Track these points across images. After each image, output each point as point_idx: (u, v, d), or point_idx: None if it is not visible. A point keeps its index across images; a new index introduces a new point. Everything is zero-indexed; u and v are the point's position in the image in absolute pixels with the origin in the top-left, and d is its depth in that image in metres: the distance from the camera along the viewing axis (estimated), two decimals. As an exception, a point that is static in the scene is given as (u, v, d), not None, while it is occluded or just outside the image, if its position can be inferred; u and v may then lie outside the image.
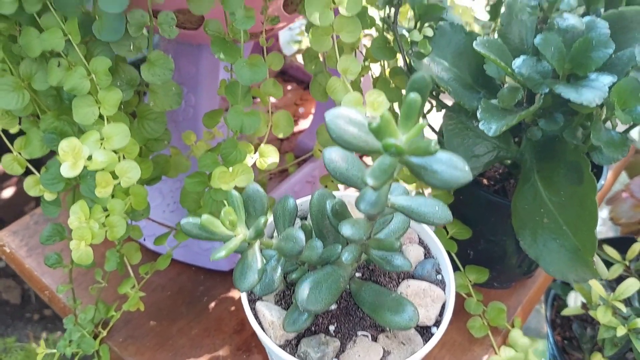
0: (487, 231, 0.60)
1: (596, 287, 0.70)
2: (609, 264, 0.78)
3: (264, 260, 0.35)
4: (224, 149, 0.48)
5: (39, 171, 0.50)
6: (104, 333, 0.58)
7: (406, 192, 0.41)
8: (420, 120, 0.30)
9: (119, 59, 0.46)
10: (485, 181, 0.62)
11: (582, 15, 0.45)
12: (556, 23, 0.43)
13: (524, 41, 0.50)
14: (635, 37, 0.47)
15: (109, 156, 0.42)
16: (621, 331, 0.65)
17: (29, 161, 0.50)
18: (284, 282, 0.45)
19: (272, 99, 0.90)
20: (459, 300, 0.62)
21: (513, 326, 0.63)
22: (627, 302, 0.76)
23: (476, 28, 0.74)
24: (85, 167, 0.42)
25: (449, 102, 0.55)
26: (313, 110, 0.89)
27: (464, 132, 0.52)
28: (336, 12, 0.46)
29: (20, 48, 0.46)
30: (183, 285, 0.65)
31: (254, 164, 0.50)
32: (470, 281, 0.62)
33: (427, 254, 0.48)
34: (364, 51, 0.59)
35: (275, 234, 0.45)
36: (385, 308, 0.40)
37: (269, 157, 0.51)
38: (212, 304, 0.64)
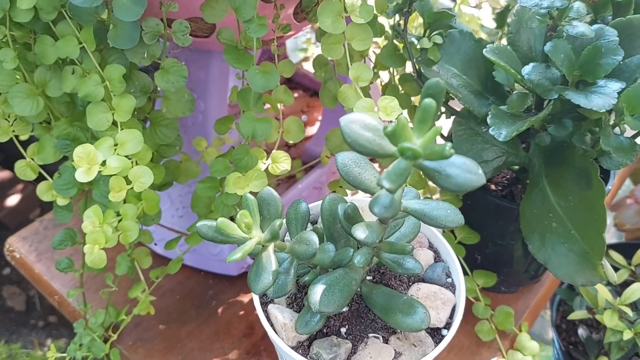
0: (494, 235, 0.61)
1: (602, 291, 0.70)
2: (614, 269, 0.78)
3: (278, 263, 0.36)
4: (236, 154, 0.48)
5: (50, 177, 0.51)
6: (114, 337, 0.58)
7: (418, 196, 0.41)
8: (436, 124, 0.31)
9: (133, 66, 0.47)
10: (492, 186, 0.62)
11: (590, 23, 0.46)
12: (566, 31, 0.43)
13: (532, 49, 0.51)
14: (642, 44, 0.47)
15: (123, 162, 0.42)
16: (627, 335, 0.65)
17: (41, 167, 0.51)
18: (296, 285, 0.45)
19: (280, 106, 0.91)
20: (467, 304, 0.62)
21: (520, 330, 0.64)
22: (633, 306, 0.76)
23: (483, 36, 0.75)
24: (98, 173, 0.43)
25: (459, 108, 0.55)
26: (320, 117, 0.90)
27: (473, 137, 0.53)
28: (347, 20, 0.47)
29: (34, 56, 0.47)
30: (192, 289, 0.66)
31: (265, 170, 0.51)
32: (478, 285, 0.62)
33: (437, 257, 0.48)
34: (373, 58, 0.59)
35: (287, 237, 0.46)
36: (397, 310, 0.40)
37: (282, 162, 0.51)
38: (221, 308, 0.64)
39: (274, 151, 0.51)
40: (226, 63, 0.62)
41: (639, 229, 1.13)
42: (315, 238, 0.37)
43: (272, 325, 0.43)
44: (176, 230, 0.65)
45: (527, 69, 0.46)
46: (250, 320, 0.63)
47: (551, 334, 1.05)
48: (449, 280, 0.46)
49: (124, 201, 0.48)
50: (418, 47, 0.52)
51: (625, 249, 0.84)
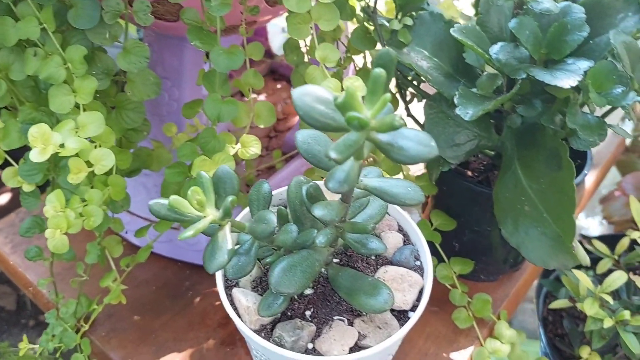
0: (471, 222, 0.60)
1: (583, 279, 0.69)
2: (599, 259, 0.78)
3: (235, 242, 0.35)
4: (202, 138, 0.48)
5: (17, 163, 0.50)
6: (86, 327, 0.58)
7: (381, 175, 0.40)
8: (386, 95, 0.30)
9: (95, 48, 0.46)
10: (469, 173, 0.61)
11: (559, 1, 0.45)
12: (531, 7, 0.43)
13: (503, 29, 0.50)
14: (612, 23, 0.47)
15: (81, 143, 0.41)
16: (608, 323, 0.64)
17: (8, 153, 0.50)
18: (261, 268, 0.45)
19: (262, 97, 0.90)
20: (444, 292, 0.62)
21: (499, 318, 0.63)
22: (616, 295, 0.76)
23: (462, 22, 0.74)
24: (59, 156, 0.42)
25: (432, 91, 0.55)
26: (301, 108, 0.89)
27: (445, 120, 0.52)
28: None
29: (-4, 39, 0.46)
30: (168, 280, 0.65)
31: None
32: (455, 272, 0.61)
33: (407, 240, 0.48)
34: (346, 43, 0.59)
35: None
36: (361, 291, 0.39)
37: (251, 146, 0.51)
38: (197, 299, 0.64)
39: (244, 135, 0.50)
40: (200, 50, 0.62)
41: (627, 220, 1.13)
42: (272, 217, 0.36)
43: (236, 308, 0.42)
44: (151, 220, 0.65)
45: (495, 49, 0.45)
46: (225, 311, 0.62)
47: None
48: (418, 263, 0.46)
49: (92, 187, 0.48)
50: (389, 29, 0.52)
51: (614, 241, 0.84)
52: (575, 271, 0.69)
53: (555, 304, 0.73)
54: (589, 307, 0.65)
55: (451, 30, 0.46)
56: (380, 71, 0.30)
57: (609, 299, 0.66)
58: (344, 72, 0.60)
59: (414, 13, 0.53)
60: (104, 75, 0.46)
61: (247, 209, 0.48)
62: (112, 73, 0.47)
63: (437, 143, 0.51)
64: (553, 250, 0.49)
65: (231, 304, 0.42)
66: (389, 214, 0.50)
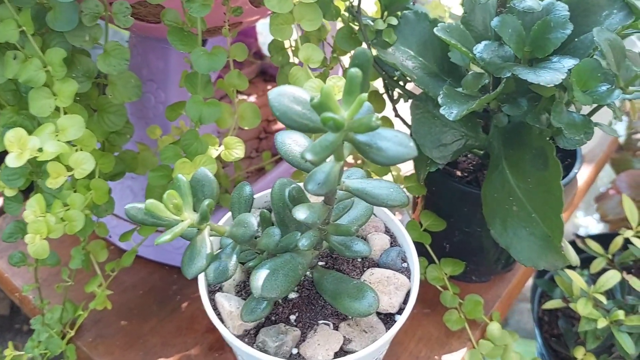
0: (461, 222, 0.60)
1: (576, 279, 0.69)
2: (593, 258, 0.77)
3: (214, 246, 0.34)
4: (185, 140, 0.47)
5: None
6: (72, 333, 0.57)
7: (364, 177, 0.40)
8: (362, 95, 0.30)
9: (76, 50, 0.46)
10: (458, 173, 0.61)
11: (543, -1, 0.45)
12: (514, 5, 0.42)
13: (487, 28, 0.50)
14: (596, 21, 0.46)
15: (60, 147, 0.41)
16: (602, 323, 0.64)
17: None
18: (245, 272, 0.44)
19: (252, 98, 0.90)
20: (435, 293, 0.61)
21: (492, 320, 0.62)
22: (610, 294, 0.75)
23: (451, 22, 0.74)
24: (38, 160, 0.41)
25: (418, 92, 0.54)
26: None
27: (431, 120, 0.51)
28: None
29: (-25, 42, 0.45)
30: (155, 284, 0.64)
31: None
32: (446, 274, 0.61)
33: (393, 242, 0.47)
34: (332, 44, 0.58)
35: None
36: (345, 295, 0.39)
37: (235, 149, 0.50)
38: (185, 303, 0.63)
39: (227, 137, 0.50)
40: (185, 52, 0.61)
41: (622, 219, 1.12)
42: (253, 220, 0.36)
43: (219, 313, 0.42)
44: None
45: (479, 47, 0.45)
46: (214, 315, 0.62)
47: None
48: (405, 265, 0.45)
49: (75, 191, 0.47)
50: (374, 29, 0.51)
51: (609, 240, 0.83)
52: (569, 271, 0.68)
53: (549, 305, 0.72)
54: (583, 307, 0.65)
55: (435, 30, 0.45)
56: (356, 71, 0.29)
57: (603, 298, 0.65)
58: (332, 72, 0.59)
59: (399, 13, 0.52)
60: (84, 77, 0.46)
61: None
62: (93, 75, 0.46)
63: (424, 143, 0.52)
64: (542, 251, 0.48)
65: (214, 309, 0.42)
66: (375, 216, 0.49)
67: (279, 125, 0.87)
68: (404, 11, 0.52)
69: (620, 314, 0.64)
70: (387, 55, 0.51)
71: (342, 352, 0.40)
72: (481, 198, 0.52)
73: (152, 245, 0.64)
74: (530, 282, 0.92)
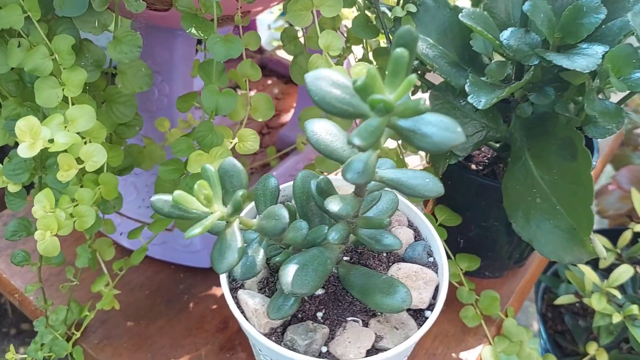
0: (477, 217, 0.58)
1: (589, 273, 0.68)
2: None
3: (244, 239, 0.32)
4: (199, 132, 0.45)
5: (1, 162, 0.47)
6: (78, 334, 0.54)
7: (394, 167, 0.38)
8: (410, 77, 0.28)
9: (84, 38, 0.43)
10: (473, 166, 0.60)
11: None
12: (544, -11, 0.41)
13: (510, 15, 0.49)
14: (625, 7, 0.45)
15: (72, 137, 0.39)
16: (617, 318, 0.63)
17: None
18: (267, 268, 0.42)
19: (252, 93, 0.88)
20: (451, 289, 0.59)
21: (507, 315, 0.61)
22: (621, 289, 0.75)
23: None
24: (48, 153, 0.39)
25: (437, 82, 0.53)
26: (294, 104, 0.87)
27: (451, 111, 0.50)
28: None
29: (-23, 29, 0.43)
30: (162, 283, 0.62)
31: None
32: (462, 269, 0.59)
33: (418, 236, 0.46)
34: (345, 33, 0.56)
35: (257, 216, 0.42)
36: (376, 290, 0.37)
37: (249, 141, 0.48)
38: (193, 303, 0.61)
39: (240, 129, 0.48)
40: (191, 43, 0.59)
41: (622, 215, 1.12)
42: (285, 212, 0.34)
43: (242, 312, 0.40)
44: (142, 221, 0.62)
45: (505, 34, 0.44)
46: (224, 315, 0.60)
47: (536, 325, 1.03)
48: (431, 259, 0.44)
49: (81, 186, 0.45)
50: (391, 16, 0.50)
51: (610, 235, 0.83)
52: (582, 266, 0.67)
53: (561, 300, 0.71)
54: (597, 302, 0.64)
55: (460, 16, 0.44)
56: (402, 51, 0.27)
57: (617, 293, 0.65)
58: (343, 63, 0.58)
59: (417, 0, 0.51)
60: (93, 66, 0.43)
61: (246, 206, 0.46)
62: (102, 64, 0.44)
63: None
64: (567, 243, 0.47)
65: (237, 307, 0.40)
66: (398, 209, 0.47)
67: (282, 120, 0.85)
68: (424, -2, 0.50)
69: (635, 308, 0.64)
70: (407, 43, 0.49)
71: (374, 349, 0.38)
72: (500, 192, 0.51)
73: (158, 243, 0.62)
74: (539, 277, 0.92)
